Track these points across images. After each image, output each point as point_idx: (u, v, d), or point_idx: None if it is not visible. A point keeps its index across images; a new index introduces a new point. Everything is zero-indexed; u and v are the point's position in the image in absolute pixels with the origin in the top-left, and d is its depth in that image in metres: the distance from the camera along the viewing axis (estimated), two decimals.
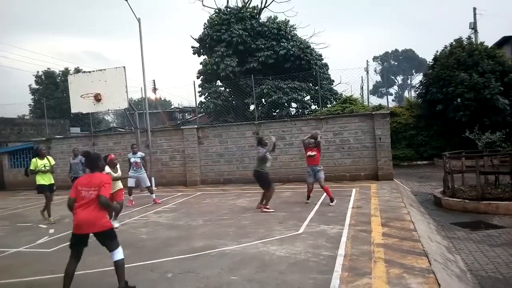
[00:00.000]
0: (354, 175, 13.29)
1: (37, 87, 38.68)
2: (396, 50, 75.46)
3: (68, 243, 4.43)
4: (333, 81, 21.62)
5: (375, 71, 69.33)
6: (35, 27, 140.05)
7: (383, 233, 6.27)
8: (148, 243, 6.68)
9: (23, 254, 6.54)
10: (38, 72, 39.05)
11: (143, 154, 11.10)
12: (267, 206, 8.82)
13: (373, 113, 13.46)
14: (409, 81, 76.44)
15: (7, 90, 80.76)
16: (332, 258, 5.17)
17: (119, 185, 8.11)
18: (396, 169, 14.47)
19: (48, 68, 39.22)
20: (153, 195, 11.18)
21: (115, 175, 7.92)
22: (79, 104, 13.50)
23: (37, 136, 21.24)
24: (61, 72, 39.20)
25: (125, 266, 4.46)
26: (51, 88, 37.44)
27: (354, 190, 11.06)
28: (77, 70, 35.97)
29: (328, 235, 6.36)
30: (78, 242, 4.34)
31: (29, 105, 38.04)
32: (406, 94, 70.90)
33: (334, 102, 20.33)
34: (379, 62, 75.52)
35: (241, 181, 14.54)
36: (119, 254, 4.36)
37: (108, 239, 4.35)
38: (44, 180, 9.27)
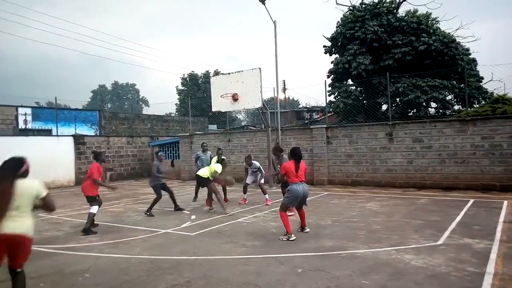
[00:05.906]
0: (506, 185, 11.59)
1: (183, 88, 43.47)
2: None
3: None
4: (482, 78, 19.11)
5: None
6: (175, 31, 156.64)
7: None
8: (278, 237, 6.88)
9: (171, 235, 7.40)
10: (184, 74, 43.83)
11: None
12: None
13: None
14: None
15: (155, 90, 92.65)
16: (479, 275, 4.62)
17: None
18: None
19: (192, 71, 43.69)
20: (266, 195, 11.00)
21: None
22: (219, 103, 14.77)
23: (182, 132, 23.86)
24: (202, 74, 43.37)
25: (257, 256, 5.61)
26: (194, 89, 41.63)
27: (505, 202, 9.66)
28: (216, 73, 39.24)
29: (473, 250, 5.69)
30: None
31: (176, 104, 43.00)
32: None
33: (483, 102, 18.01)
34: None
35: (371, 183, 13.97)
36: (93, 209, 7.81)
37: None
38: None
